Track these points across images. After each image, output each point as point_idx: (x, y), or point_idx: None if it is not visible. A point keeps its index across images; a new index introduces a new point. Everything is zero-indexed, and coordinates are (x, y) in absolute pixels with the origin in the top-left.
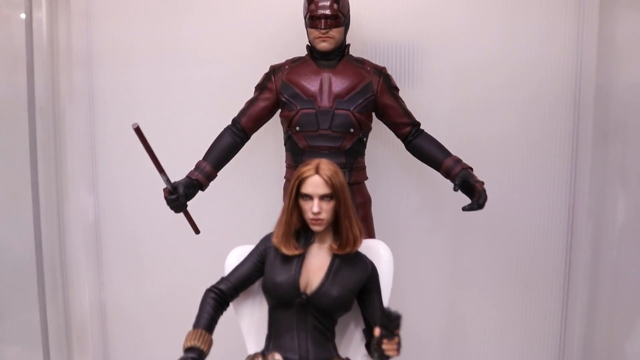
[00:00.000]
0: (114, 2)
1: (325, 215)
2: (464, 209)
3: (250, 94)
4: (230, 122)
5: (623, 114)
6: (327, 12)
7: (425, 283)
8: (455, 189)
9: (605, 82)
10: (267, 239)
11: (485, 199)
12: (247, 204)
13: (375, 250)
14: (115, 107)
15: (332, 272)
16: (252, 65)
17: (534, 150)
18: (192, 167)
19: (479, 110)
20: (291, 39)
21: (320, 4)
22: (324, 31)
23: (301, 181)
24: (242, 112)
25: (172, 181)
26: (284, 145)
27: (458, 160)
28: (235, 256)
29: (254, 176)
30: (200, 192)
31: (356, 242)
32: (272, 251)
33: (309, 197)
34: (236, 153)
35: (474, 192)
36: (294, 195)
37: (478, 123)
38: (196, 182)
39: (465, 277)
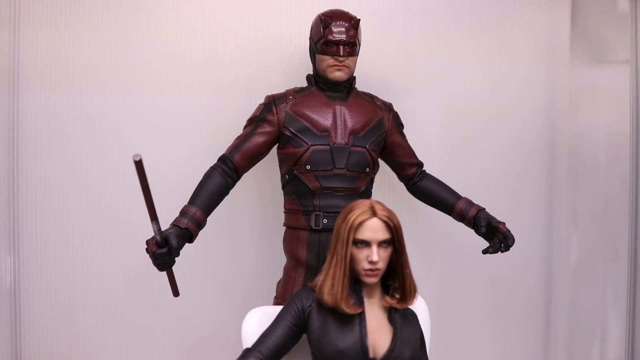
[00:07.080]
0: (49, 11)
1: (382, 265)
2: (487, 252)
3: (229, 126)
4: (217, 160)
5: (574, 158)
6: (345, 37)
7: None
8: (481, 233)
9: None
10: (303, 296)
11: (514, 240)
12: (235, 258)
13: None
14: (45, 139)
15: (399, 330)
16: (228, 94)
17: (514, 192)
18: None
19: (465, 152)
20: (278, 67)
21: (337, 29)
22: (341, 59)
23: (358, 226)
24: (235, 149)
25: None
26: (282, 187)
27: (470, 202)
28: (255, 319)
29: (247, 224)
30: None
31: (416, 292)
32: (315, 311)
33: (365, 244)
34: (225, 197)
35: (495, 233)
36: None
37: (465, 164)
38: (186, 232)
39: (454, 323)
